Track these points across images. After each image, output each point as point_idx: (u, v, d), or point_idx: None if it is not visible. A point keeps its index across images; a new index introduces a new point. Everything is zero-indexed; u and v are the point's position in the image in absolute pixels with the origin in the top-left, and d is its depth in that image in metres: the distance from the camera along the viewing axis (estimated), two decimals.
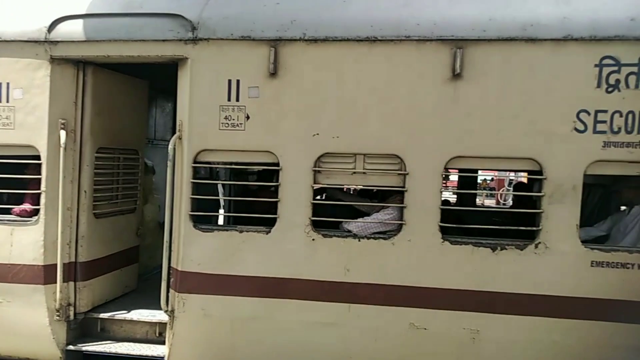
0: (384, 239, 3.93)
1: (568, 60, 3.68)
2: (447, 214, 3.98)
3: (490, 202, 13.40)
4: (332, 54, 3.89)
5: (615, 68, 3.62)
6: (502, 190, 13.91)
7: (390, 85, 3.85)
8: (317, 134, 3.94)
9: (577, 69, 3.67)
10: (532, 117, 3.73)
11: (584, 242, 3.78)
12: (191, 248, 4.12)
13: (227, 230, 4.15)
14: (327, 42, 3.87)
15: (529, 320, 3.78)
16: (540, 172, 3.76)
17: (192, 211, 4.13)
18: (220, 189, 5.94)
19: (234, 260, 4.08)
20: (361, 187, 4.67)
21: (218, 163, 4.55)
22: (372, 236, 3.96)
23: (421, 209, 3.86)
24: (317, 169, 3.97)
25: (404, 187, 3.88)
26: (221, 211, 5.91)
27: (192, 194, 4.12)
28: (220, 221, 5.41)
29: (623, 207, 4.50)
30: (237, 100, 3.99)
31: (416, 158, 3.85)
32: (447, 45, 3.77)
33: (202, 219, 4.25)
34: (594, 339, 3.75)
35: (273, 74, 3.92)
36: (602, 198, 4.81)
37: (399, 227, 3.91)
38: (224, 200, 5.28)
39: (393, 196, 4.15)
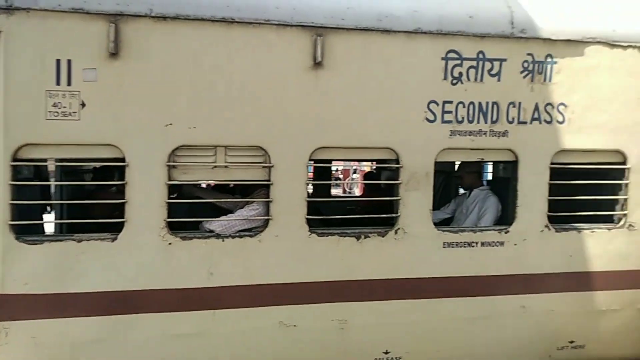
0: (250, 236, 3.69)
1: (419, 52, 3.85)
2: (309, 206, 3.90)
3: (337, 192, 14.06)
4: (185, 34, 3.48)
5: (459, 62, 3.90)
6: (348, 180, 14.65)
7: (251, 72, 3.60)
8: (170, 124, 3.50)
9: (427, 61, 3.87)
10: (389, 107, 3.82)
11: (435, 225, 4.03)
12: (14, 265, 3.36)
13: (61, 240, 3.48)
14: (178, 20, 3.45)
15: (393, 304, 3.92)
16: (397, 161, 3.89)
17: (13, 220, 3.36)
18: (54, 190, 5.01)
19: (72, 276, 3.44)
20: (223, 182, 4.34)
21: (46, 160, 3.80)
22: (237, 234, 3.68)
23: (288, 203, 3.71)
24: (171, 163, 3.53)
25: (269, 180, 3.68)
26: (50, 217, 4.99)
27: (13, 199, 3.35)
28: (51, 229, 4.56)
29: (462, 191, 4.97)
30: (69, 84, 3.34)
31: (281, 149, 3.67)
32: (307, 32, 3.66)
33: (28, 228, 3.50)
34: (446, 313, 4.05)
35: (114, 54, 3.36)
36: (444, 183, 5.26)
37: (266, 223, 3.71)
38: (57, 204, 4.45)
39: (257, 190, 3.92)
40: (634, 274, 4.33)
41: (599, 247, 4.24)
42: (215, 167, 3.62)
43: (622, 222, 4.28)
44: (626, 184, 4.25)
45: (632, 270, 4.32)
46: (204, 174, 3.68)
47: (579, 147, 4.16)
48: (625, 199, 4.27)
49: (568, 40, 4.06)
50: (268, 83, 3.63)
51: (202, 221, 3.74)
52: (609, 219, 4.33)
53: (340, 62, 3.72)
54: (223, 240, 3.65)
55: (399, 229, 3.91)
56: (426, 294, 3.96)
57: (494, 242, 4.07)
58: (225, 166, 3.63)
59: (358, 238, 3.84)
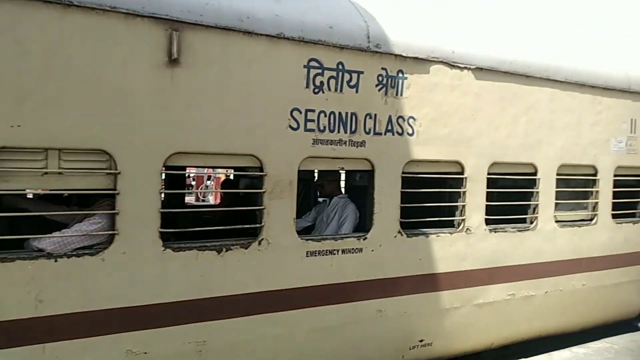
0: (91, 254, 3.17)
1: (282, 58, 3.76)
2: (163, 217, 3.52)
3: (189, 200, 13.34)
4: (10, 14, 2.87)
5: (320, 71, 3.91)
6: (202, 188, 14.04)
7: (92, 64, 3.12)
8: None
9: (290, 67, 3.80)
10: (252, 112, 3.66)
11: (298, 233, 3.96)
12: None
13: None
14: None
15: (257, 319, 3.73)
16: (260, 168, 3.74)
17: None
18: None
19: None
20: (57, 191, 3.70)
21: None
22: (74, 253, 3.14)
23: (138, 215, 3.28)
24: None
25: (115, 189, 3.21)
26: None
27: None
28: None
29: (321, 199, 5.01)
30: None
31: (129, 154, 3.24)
32: (161, 25, 3.31)
33: None
34: (311, 324, 4.00)
35: None
36: (304, 191, 5.25)
37: (110, 239, 3.23)
38: None
39: (100, 201, 3.41)
40: (470, 273, 4.81)
41: (443, 250, 4.62)
42: (46, 173, 3.04)
43: (461, 227, 4.73)
44: (464, 192, 4.71)
45: (469, 270, 4.79)
46: (32, 181, 3.07)
47: (426, 157, 4.48)
48: (464, 206, 4.72)
49: (416, 58, 4.36)
50: (114, 78, 3.19)
51: (29, 238, 3.12)
52: (450, 224, 4.74)
53: (200, 61, 3.45)
54: (56, 261, 3.08)
55: (262, 239, 3.74)
56: (291, 306, 3.85)
57: (353, 249, 4.15)
58: (59, 172, 3.07)
59: (219, 251, 3.58)
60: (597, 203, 5.72)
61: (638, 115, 6.04)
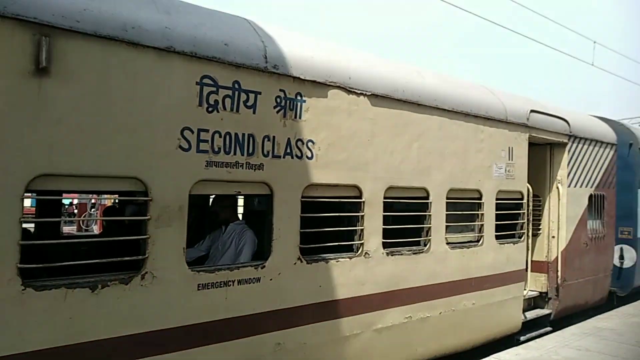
0: None
1: (172, 73, 3.48)
2: (27, 250, 3.00)
3: (70, 230, 12.01)
4: None
5: (214, 89, 3.68)
6: (85, 215, 12.78)
7: None
8: None
9: (181, 84, 3.52)
10: (136, 130, 3.31)
11: (188, 265, 3.62)
12: None
13: None
14: None
15: None
16: (145, 193, 3.37)
17: None
18: None
19: None
20: None
21: None
22: None
23: None
24: None
25: None
26: None
27: None
28: None
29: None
30: None
31: None
32: (28, 29, 2.88)
33: None
34: None
35: None
36: (197, 218, 4.89)
37: None
38: None
39: None
40: (370, 298, 4.77)
41: (343, 275, 4.54)
42: None
43: (360, 251, 4.69)
44: (362, 216, 4.70)
45: (368, 294, 4.75)
46: None
47: (325, 181, 4.41)
48: (362, 230, 4.70)
49: (314, 81, 4.31)
50: None
51: None
52: (350, 249, 4.69)
53: (74, 72, 3.05)
54: None
55: (146, 272, 3.35)
56: (178, 346, 3.46)
57: (250, 279, 3.89)
58: None
59: (93, 288, 3.12)
60: (482, 225, 6.08)
61: (514, 144, 6.60)
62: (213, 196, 4.61)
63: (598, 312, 8.45)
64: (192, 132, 3.56)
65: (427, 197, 5.39)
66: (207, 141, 3.63)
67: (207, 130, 3.63)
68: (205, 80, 3.63)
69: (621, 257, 9.70)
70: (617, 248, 9.48)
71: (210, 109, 3.66)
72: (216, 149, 3.68)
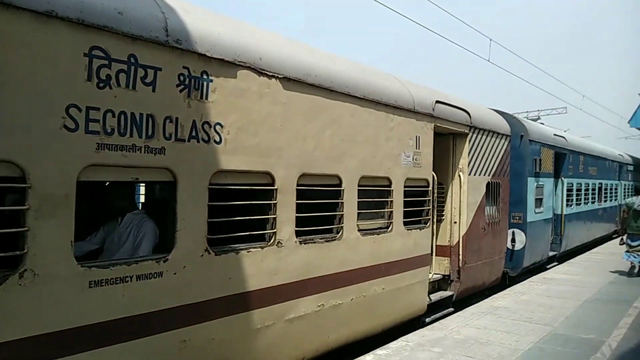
0: None
1: (54, 42, 3.02)
2: None
3: None
4: None
5: (106, 62, 3.27)
6: None
7: None
8: None
9: (66, 55, 3.07)
10: (9, 107, 2.83)
11: (78, 260, 3.20)
12: None
13: None
14: None
15: None
16: (22, 179, 2.90)
17: None
18: None
19: None
20: None
21: None
22: None
23: None
24: None
25: None
26: None
27: None
28: None
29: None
30: None
31: None
32: None
33: None
34: None
35: None
36: (90, 207, 4.39)
37: None
38: None
39: None
40: (282, 287, 4.62)
41: (254, 266, 4.33)
42: None
43: (272, 240, 4.51)
44: (275, 204, 4.52)
45: (281, 284, 4.60)
46: None
47: (235, 168, 4.16)
48: (275, 218, 4.52)
49: (222, 60, 4.03)
50: None
51: None
52: (261, 238, 4.49)
53: None
54: None
55: (25, 270, 2.90)
56: (67, 351, 3.05)
57: (151, 273, 3.55)
58: None
59: None
60: (392, 212, 6.18)
61: (421, 133, 6.78)
62: (107, 183, 4.15)
63: (493, 292, 9.08)
64: (80, 110, 3.13)
65: (339, 185, 5.34)
66: (97, 121, 3.21)
67: (97, 109, 3.21)
68: (95, 52, 3.20)
69: (513, 240, 10.52)
70: (509, 232, 10.26)
71: (101, 85, 3.24)
72: (109, 130, 3.27)
